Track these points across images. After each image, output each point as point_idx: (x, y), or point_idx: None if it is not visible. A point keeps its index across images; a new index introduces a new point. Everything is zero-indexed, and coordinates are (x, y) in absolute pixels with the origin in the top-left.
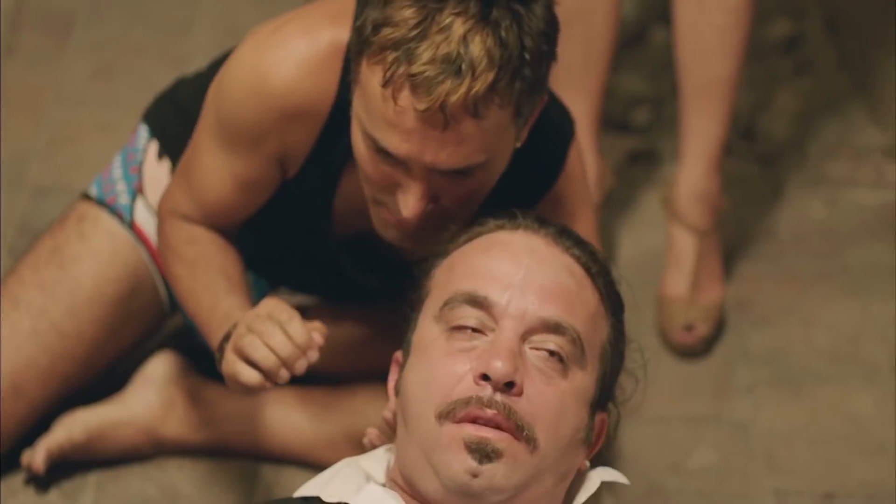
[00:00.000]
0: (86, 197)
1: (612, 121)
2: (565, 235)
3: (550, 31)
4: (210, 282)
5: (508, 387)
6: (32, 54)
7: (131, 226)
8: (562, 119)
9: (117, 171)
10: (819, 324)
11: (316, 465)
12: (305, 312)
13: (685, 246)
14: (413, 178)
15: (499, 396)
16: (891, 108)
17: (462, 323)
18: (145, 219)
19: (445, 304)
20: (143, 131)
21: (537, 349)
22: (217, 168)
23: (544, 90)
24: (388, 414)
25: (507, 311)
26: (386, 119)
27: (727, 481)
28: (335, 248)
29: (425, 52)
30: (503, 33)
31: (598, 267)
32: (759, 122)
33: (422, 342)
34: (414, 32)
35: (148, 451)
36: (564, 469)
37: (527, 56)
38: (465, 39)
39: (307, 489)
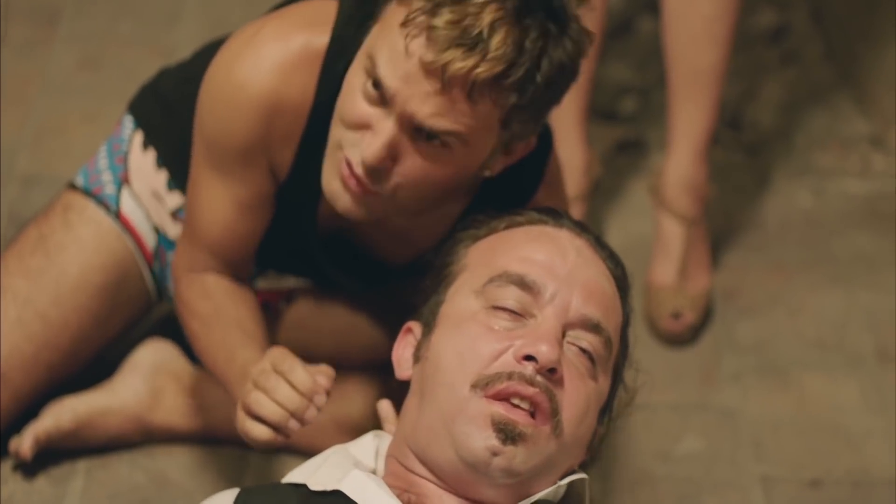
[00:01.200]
0: (72, 187)
1: (599, 110)
2: (601, 245)
3: (568, 67)
4: (225, 336)
5: (550, 373)
6: (20, 45)
7: (117, 215)
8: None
9: (103, 161)
10: (805, 312)
11: (305, 452)
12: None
13: (673, 234)
14: (388, 120)
15: (540, 378)
16: (877, 98)
17: (504, 304)
18: (131, 208)
19: (491, 280)
20: (128, 122)
21: (572, 344)
22: (217, 199)
23: (535, 131)
24: (383, 406)
25: (553, 301)
26: (394, 52)
27: (714, 468)
28: (317, 246)
29: (451, 14)
30: (528, 43)
31: (625, 283)
32: (745, 111)
33: (456, 314)
34: None
35: (137, 438)
36: (567, 467)
37: (538, 77)
38: (492, 25)
39: (295, 476)
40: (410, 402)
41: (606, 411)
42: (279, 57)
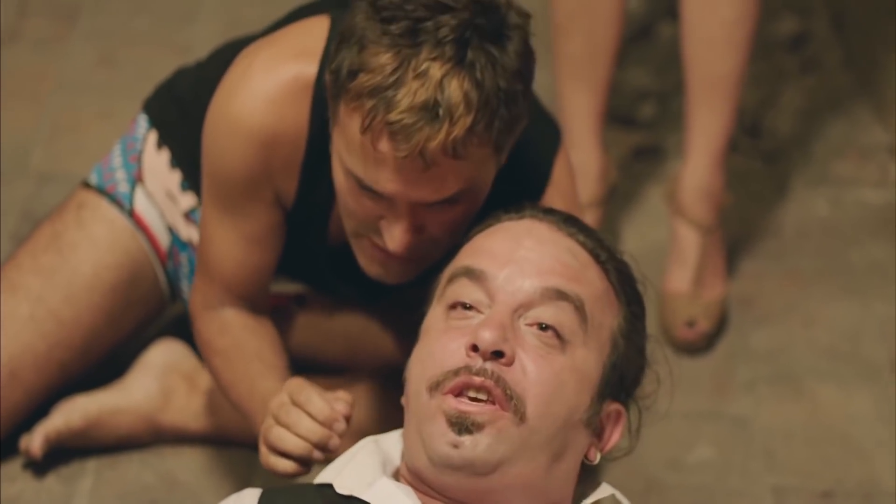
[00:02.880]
0: (86, 185)
1: (617, 115)
2: (570, 222)
3: (525, 68)
4: (245, 369)
5: (497, 356)
6: (37, 41)
7: (131, 214)
8: (546, 130)
9: (117, 159)
10: (820, 322)
11: None
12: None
13: (688, 242)
14: (398, 212)
15: (489, 365)
16: None
17: (458, 299)
18: (145, 207)
19: (448, 281)
20: (143, 121)
21: (532, 325)
22: (227, 235)
23: (523, 120)
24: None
25: (503, 285)
26: (366, 162)
27: (726, 478)
28: (327, 263)
29: (403, 100)
30: (479, 75)
31: (607, 255)
32: (764, 119)
33: (426, 327)
34: (391, 79)
35: (147, 438)
36: (558, 448)
37: (502, 96)
38: (441, 84)
39: (325, 475)
40: (405, 421)
41: (615, 390)
42: (270, 91)
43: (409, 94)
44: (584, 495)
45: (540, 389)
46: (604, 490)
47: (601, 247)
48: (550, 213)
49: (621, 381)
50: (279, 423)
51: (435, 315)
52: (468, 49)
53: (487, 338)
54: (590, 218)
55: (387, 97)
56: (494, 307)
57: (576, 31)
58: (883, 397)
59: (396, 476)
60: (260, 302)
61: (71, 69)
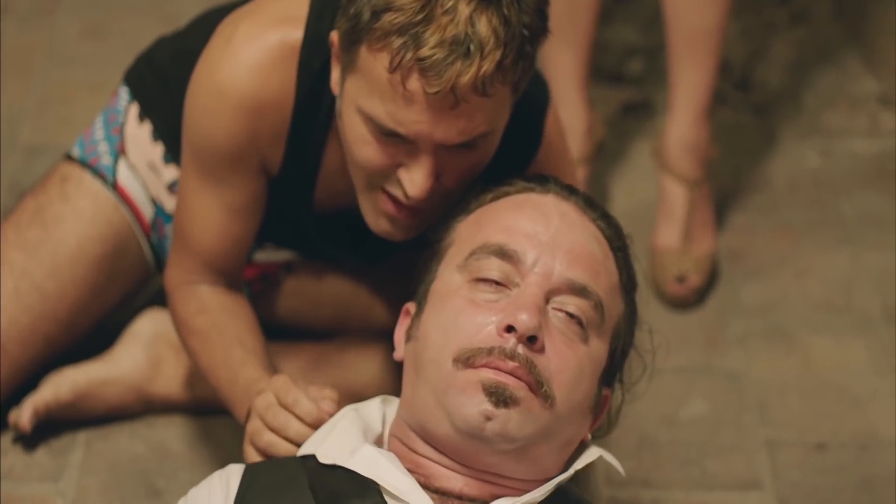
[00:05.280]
0: (68, 157)
1: (605, 72)
2: (592, 206)
3: (543, 6)
4: (225, 354)
5: (531, 341)
6: (24, 14)
7: (114, 186)
8: (536, 87)
9: (99, 131)
10: (812, 274)
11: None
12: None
13: (676, 197)
14: (421, 155)
15: (521, 349)
16: (886, 57)
17: (487, 275)
18: (128, 179)
19: (472, 254)
20: (124, 93)
21: (559, 310)
22: (208, 206)
23: (535, 64)
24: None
25: (535, 268)
26: (394, 102)
27: (719, 432)
28: (315, 229)
29: (433, 36)
30: (506, 11)
31: (620, 243)
32: (754, 71)
33: (442, 291)
34: (419, 16)
35: (137, 408)
36: (571, 434)
37: (527, 33)
38: (471, 20)
39: (307, 445)
40: (405, 381)
41: (614, 376)
42: (256, 59)
43: (439, 30)
44: (572, 457)
45: (564, 377)
46: (592, 453)
47: (617, 234)
48: (573, 193)
49: (616, 367)
50: (267, 425)
51: (454, 282)
52: None
53: (527, 322)
54: (578, 175)
55: (416, 34)
56: (527, 288)
57: None
58: (877, 348)
59: (378, 443)
60: (236, 276)
61: (59, 42)
